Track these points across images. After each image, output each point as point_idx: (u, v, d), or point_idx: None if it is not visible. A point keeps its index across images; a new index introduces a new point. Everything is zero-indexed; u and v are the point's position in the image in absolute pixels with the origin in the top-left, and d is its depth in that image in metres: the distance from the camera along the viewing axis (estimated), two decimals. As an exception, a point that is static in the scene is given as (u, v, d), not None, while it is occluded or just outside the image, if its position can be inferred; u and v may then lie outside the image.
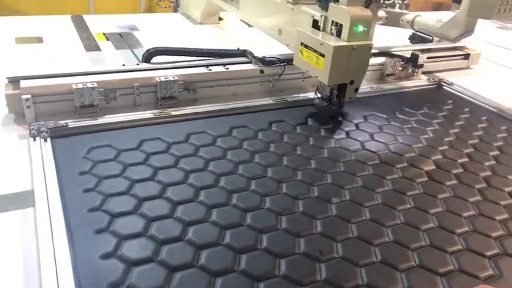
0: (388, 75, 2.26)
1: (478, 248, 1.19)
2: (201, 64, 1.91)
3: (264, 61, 1.98)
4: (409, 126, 1.84)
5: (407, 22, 2.26)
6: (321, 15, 1.66)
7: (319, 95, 1.85)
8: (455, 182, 1.49)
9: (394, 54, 2.28)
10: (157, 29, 2.77)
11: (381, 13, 2.21)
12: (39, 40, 2.35)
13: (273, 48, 2.06)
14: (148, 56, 1.94)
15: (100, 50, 2.27)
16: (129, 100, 1.75)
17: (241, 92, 1.96)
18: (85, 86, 1.62)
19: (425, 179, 1.49)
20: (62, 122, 1.54)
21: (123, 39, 2.46)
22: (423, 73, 2.37)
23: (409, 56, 2.28)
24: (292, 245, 1.14)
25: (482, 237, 1.24)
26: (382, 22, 2.27)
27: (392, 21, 2.29)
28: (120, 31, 2.61)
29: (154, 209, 1.21)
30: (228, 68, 1.92)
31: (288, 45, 1.93)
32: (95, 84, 1.64)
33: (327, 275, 1.06)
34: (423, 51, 2.38)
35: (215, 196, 1.29)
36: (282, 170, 1.46)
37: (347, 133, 1.74)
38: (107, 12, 3.52)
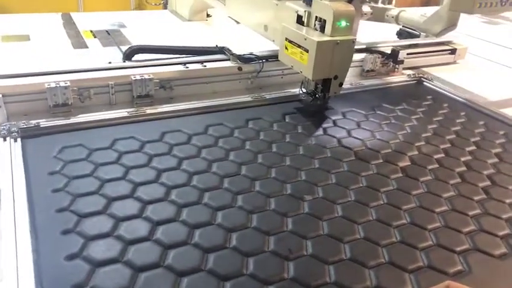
0: (368, 71, 2.26)
1: (449, 244, 1.19)
2: (177, 62, 1.90)
3: (242, 58, 1.97)
4: (387, 122, 1.83)
5: (392, 17, 2.27)
6: (305, 11, 1.67)
7: (304, 90, 1.86)
8: (429, 177, 1.49)
9: (373, 50, 2.28)
10: (145, 26, 2.76)
11: (367, 8, 2.21)
12: (26, 38, 2.33)
13: (260, 45, 2.06)
14: (129, 54, 1.92)
15: (87, 47, 2.26)
16: (104, 99, 1.74)
17: (219, 90, 1.95)
18: (58, 85, 1.60)
19: (400, 175, 1.49)
20: (34, 122, 1.52)
21: (110, 37, 2.45)
22: (409, 68, 2.38)
23: (389, 52, 2.29)
24: (262, 243, 1.14)
25: (453, 233, 1.24)
26: (367, 18, 2.28)
27: (378, 16, 2.30)
28: (108, 28, 2.59)
29: (124, 208, 1.20)
30: (205, 66, 1.91)
31: (273, 41, 1.94)
32: (68, 83, 1.62)
33: (295, 274, 1.05)
34: (409, 46, 2.39)
35: (187, 195, 1.28)
36: (256, 168, 1.45)
37: (324, 130, 1.74)
38: (96, 11, 3.48)
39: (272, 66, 2.04)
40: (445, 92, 2.16)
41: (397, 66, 2.32)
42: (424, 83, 2.25)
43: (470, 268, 1.12)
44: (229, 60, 1.98)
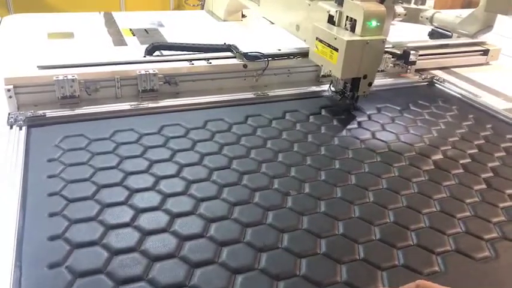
0: (378, 71, 2.23)
1: (429, 245, 1.17)
2: (183, 58, 1.95)
3: (248, 56, 1.99)
4: (390, 123, 1.82)
5: (427, 18, 2.25)
6: (336, 11, 1.71)
7: (333, 89, 1.89)
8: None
9: (385, 51, 2.25)
10: (182, 26, 2.86)
11: (400, 9, 2.22)
12: (71, 35, 2.46)
13: (291, 44, 2.12)
14: (150, 50, 2.03)
15: (126, 44, 2.36)
16: (110, 92, 1.81)
17: (225, 87, 1.98)
18: (65, 78, 1.68)
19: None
20: (40, 112, 1.61)
21: (148, 35, 2.54)
22: (437, 69, 2.39)
23: (401, 52, 2.25)
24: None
25: (436, 234, 1.22)
26: (401, 19, 2.28)
27: (412, 17, 2.30)
28: (147, 27, 2.70)
29: (111, 195, 1.25)
30: (210, 63, 1.95)
31: (305, 41, 1.98)
32: (75, 76, 1.70)
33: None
34: (438, 46, 2.41)
35: (173, 185, 1.32)
36: (247, 162, 1.48)
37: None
38: (137, 10, 3.61)
39: (279, 64, 2.06)
40: (456, 94, 2.10)
41: (409, 67, 2.27)
42: (436, 85, 2.20)
43: (447, 269, 1.10)
44: (235, 57, 2.01)
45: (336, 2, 1.75)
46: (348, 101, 1.84)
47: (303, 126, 1.73)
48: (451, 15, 2.17)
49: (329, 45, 1.68)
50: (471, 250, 1.16)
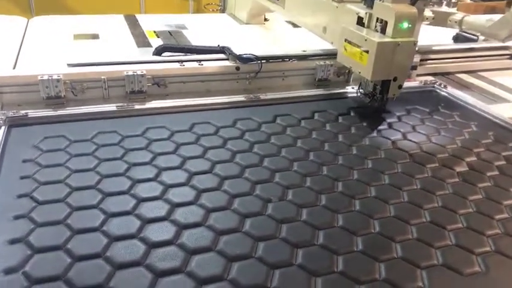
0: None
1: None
2: (174, 59, 1.90)
3: (241, 58, 1.94)
4: (384, 128, 1.74)
5: (456, 22, 2.21)
6: (366, 13, 1.69)
7: (361, 91, 1.86)
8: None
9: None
10: (205, 28, 2.86)
11: (429, 13, 2.18)
12: (95, 36, 2.48)
13: (316, 46, 2.14)
14: (159, 51, 2.02)
15: (151, 46, 2.35)
16: (97, 93, 1.77)
17: (216, 89, 1.93)
18: (50, 78, 1.65)
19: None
20: (23, 112, 1.58)
21: (172, 37, 2.56)
22: (462, 72, 2.37)
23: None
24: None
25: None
26: (429, 22, 2.24)
27: (440, 21, 2.27)
28: (170, 29, 2.71)
29: (83, 199, 1.21)
30: (201, 64, 1.90)
31: (332, 43, 1.96)
32: (61, 77, 1.66)
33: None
34: (465, 50, 2.39)
35: (149, 190, 1.27)
36: (231, 167, 1.42)
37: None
38: (156, 13, 3.62)
39: (273, 67, 2.00)
40: (457, 101, 2.02)
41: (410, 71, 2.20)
42: (437, 91, 2.12)
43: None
44: (228, 60, 1.96)
45: (364, 4, 1.73)
46: (376, 104, 1.80)
47: (294, 130, 1.67)
48: (481, 19, 2.13)
49: (359, 47, 1.66)
50: None
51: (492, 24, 2.04)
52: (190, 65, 1.89)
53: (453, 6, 2.37)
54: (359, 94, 1.89)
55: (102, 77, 1.74)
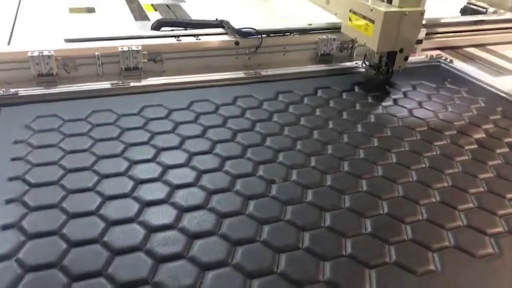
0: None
1: (424, 240, 1.06)
2: (170, 34, 1.82)
3: (240, 32, 1.86)
4: (390, 104, 1.68)
5: None
6: None
7: (367, 63, 1.81)
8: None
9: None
10: (203, 1, 2.77)
11: None
12: (91, 10, 2.41)
13: (319, 18, 2.06)
14: (156, 26, 1.94)
15: (148, 19, 2.28)
16: (91, 70, 1.69)
17: (214, 65, 1.85)
18: (40, 54, 1.57)
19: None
20: (13, 90, 1.50)
21: (170, 10, 2.50)
22: (473, 46, 2.31)
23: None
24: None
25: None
26: None
27: None
28: (168, 2, 2.64)
29: (77, 181, 1.15)
30: (199, 39, 1.82)
31: (335, 14, 1.91)
32: (52, 53, 1.58)
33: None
34: (474, 23, 2.32)
35: (147, 171, 1.21)
36: (232, 147, 1.36)
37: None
38: None
39: (274, 42, 1.93)
40: (465, 76, 1.95)
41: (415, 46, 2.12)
42: (442, 65, 2.05)
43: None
44: (227, 34, 1.88)
45: None
46: (382, 76, 1.76)
47: (297, 108, 1.61)
48: None
49: (364, 17, 1.62)
50: None
51: None
52: (188, 40, 1.81)
53: None
54: (364, 66, 1.83)
55: (96, 53, 1.66)
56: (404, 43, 1.64)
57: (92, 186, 1.14)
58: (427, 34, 2.21)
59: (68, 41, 1.69)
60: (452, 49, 2.29)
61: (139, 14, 2.38)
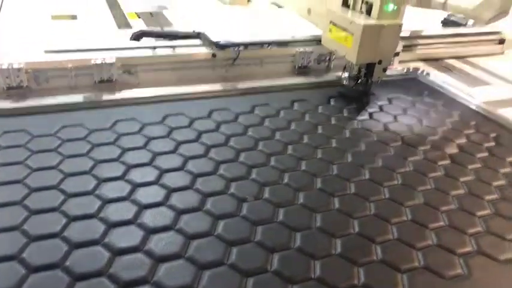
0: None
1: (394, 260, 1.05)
2: (146, 46, 1.80)
3: (217, 44, 1.84)
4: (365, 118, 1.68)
5: (440, 4, 2.14)
6: None
7: (346, 74, 1.82)
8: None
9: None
10: (187, 9, 2.78)
11: None
12: (74, 17, 2.39)
13: (302, 30, 2.06)
14: (137, 37, 1.90)
15: (131, 27, 2.27)
16: (64, 83, 1.66)
17: (191, 77, 1.83)
18: (10, 67, 1.53)
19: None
20: (-21, 104, 1.47)
21: (153, 18, 2.49)
22: (452, 58, 2.36)
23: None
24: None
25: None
26: (414, 4, 2.18)
27: (424, 2, 2.21)
28: (151, 10, 2.63)
29: (42, 200, 1.12)
30: (175, 50, 1.80)
31: (317, 25, 1.92)
32: (22, 65, 1.55)
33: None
34: (454, 35, 2.37)
35: (114, 190, 1.18)
36: (204, 163, 1.34)
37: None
38: None
39: (252, 54, 1.91)
40: (439, 88, 1.97)
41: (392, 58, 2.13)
42: (419, 78, 2.06)
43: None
44: (204, 46, 1.86)
45: None
46: (361, 87, 1.78)
47: (272, 122, 1.60)
48: (464, 1, 2.06)
49: (344, 29, 1.63)
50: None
51: (476, 6, 1.99)
52: (163, 51, 1.79)
53: None
54: (344, 77, 1.85)
55: (69, 66, 1.62)
56: (383, 55, 1.66)
57: (57, 206, 1.11)
58: (409, 46, 2.25)
59: (48, 52, 1.66)
60: (434, 60, 2.32)
61: (122, 22, 2.36)
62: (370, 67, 1.70)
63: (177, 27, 2.34)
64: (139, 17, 2.47)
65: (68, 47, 1.71)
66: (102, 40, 1.88)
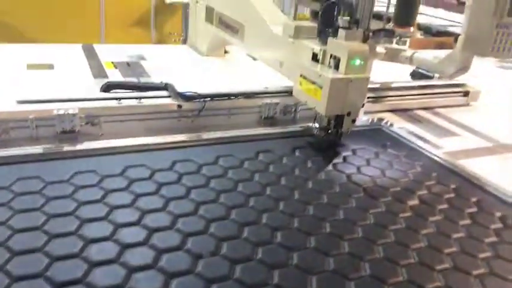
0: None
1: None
2: (111, 97, 1.80)
3: (183, 96, 1.87)
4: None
5: (406, 58, 2.27)
6: (320, 49, 1.71)
7: (317, 125, 1.85)
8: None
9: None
10: (164, 60, 2.87)
11: (381, 49, 2.28)
12: (50, 67, 2.41)
13: (275, 81, 2.13)
14: (106, 89, 1.94)
15: (107, 77, 2.32)
16: (25, 134, 1.64)
17: (156, 128, 1.83)
18: (-33, 118, 1.51)
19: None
20: None
21: (130, 68, 2.53)
22: (421, 109, 2.48)
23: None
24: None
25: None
26: (381, 58, 2.28)
27: (392, 57, 2.35)
28: (129, 60, 2.67)
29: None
30: (141, 102, 1.81)
31: (288, 77, 1.97)
32: (-20, 116, 1.53)
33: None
34: (421, 87, 2.50)
35: (64, 247, 1.14)
36: (162, 217, 1.31)
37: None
38: (118, 43, 3.63)
39: (218, 105, 1.94)
40: (403, 140, 2.01)
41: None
42: (383, 129, 2.11)
43: None
44: (170, 97, 1.88)
45: (319, 41, 1.76)
46: (331, 138, 1.81)
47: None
48: (429, 56, 2.20)
49: (313, 82, 1.68)
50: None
51: (440, 61, 2.11)
52: (129, 102, 1.79)
53: (402, 44, 2.44)
54: (314, 128, 1.89)
55: (30, 117, 1.61)
56: (352, 107, 1.71)
57: (1, 265, 1.06)
58: (378, 97, 2.37)
59: (20, 102, 1.66)
60: (402, 111, 2.43)
61: (98, 72, 2.40)
62: (339, 118, 1.75)
63: (154, 77, 2.39)
64: (115, 67, 2.51)
65: (32, 97, 1.71)
66: (72, 90, 1.88)
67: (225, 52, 3.10)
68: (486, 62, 3.49)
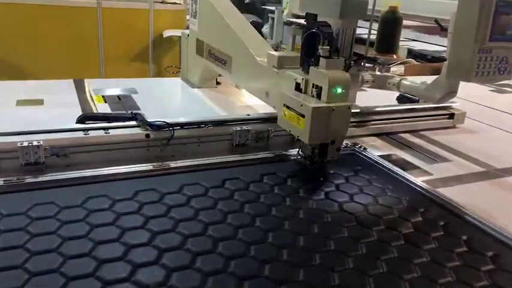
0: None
1: None
2: (78, 128, 1.81)
3: (151, 125, 1.87)
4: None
5: (394, 85, 2.31)
6: (303, 79, 1.74)
7: (301, 154, 1.86)
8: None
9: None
10: (155, 93, 2.94)
11: (368, 77, 2.31)
12: (40, 102, 2.44)
13: (259, 109, 2.23)
14: (81, 120, 1.95)
15: (97, 111, 2.37)
16: (-13, 166, 1.64)
17: (124, 158, 1.83)
18: None
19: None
20: None
21: (120, 102, 2.57)
22: (406, 132, 2.51)
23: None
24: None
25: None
26: (369, 85, 2.31)
27: (379, 84, 2.37)
28: (120, 94, 2.71)
29: None
30: (108, 132, 1.81)
31: (274, 107, 2.01)
32: None
33: None
34: (408, 110, 2.55)
35: (8, 280, 1.12)
36: (113, 247, 1.29)
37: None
38: (117, 77, 3.76)
39: (187, 133, 1.94)
40: (373, 163, 1.99)
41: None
42: (356, 154, 2.09)
43: None
44: (138, 126, 1.89)
45: (302, 70, 1.78)
46: (316, 166, 1.81)
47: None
48: (416, 82, 2.22)
49: (296, 112, 1.70)
50: None
51: (427, 87, 2.12)
52: (96, 133, 1.80)
53: (385, 71, 2.45)
54: (299, 157, 1.89)
55: (-7, 149, 1.62)
56: (335, 135, 1.71)
57: None
58: (365, 121, 2.41)
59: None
60: (388, 135, 2.45)
61: (87, 106, 2.45)
62: (323, 147, 1.75)
63: (145, 111, 2.37)
64: (105, 101, 2.56)
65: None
66: (50, 123, 1.87)
67: (217, 83, 3.16)
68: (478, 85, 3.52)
